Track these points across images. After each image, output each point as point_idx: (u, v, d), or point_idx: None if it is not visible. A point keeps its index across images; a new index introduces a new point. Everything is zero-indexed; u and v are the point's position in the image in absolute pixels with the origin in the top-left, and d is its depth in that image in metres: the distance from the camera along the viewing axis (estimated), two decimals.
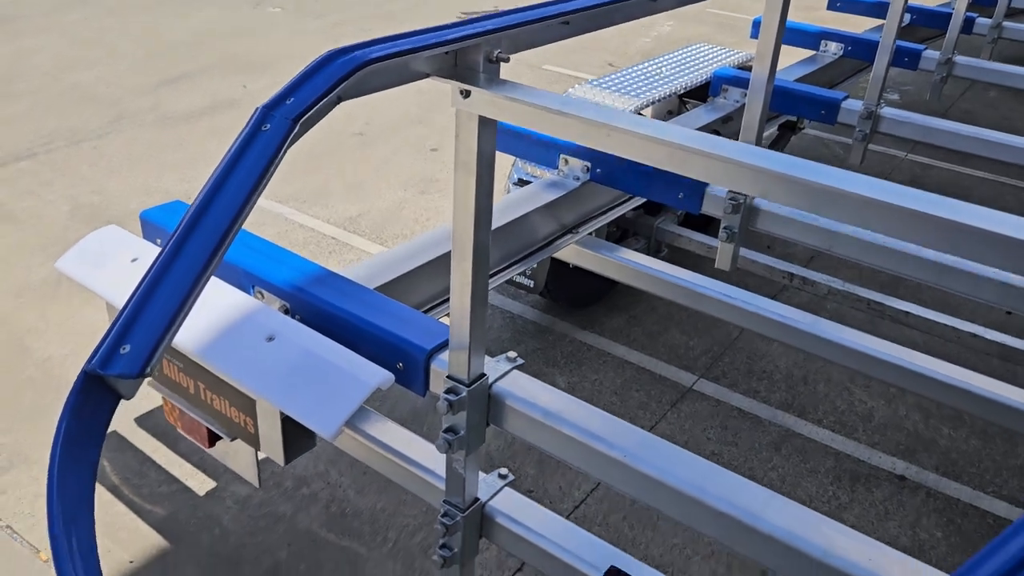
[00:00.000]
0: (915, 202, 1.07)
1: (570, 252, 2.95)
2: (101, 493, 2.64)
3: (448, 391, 1.58)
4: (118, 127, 5.56)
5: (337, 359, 1.62)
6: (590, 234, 2.95)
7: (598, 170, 2.75)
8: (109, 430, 2.86)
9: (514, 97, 1.29)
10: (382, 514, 2.62)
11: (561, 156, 2.82)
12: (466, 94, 1.30)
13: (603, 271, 2.93)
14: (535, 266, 3.24)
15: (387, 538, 2.55)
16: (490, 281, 2.32)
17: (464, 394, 1.57)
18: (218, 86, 6.33)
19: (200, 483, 2.70)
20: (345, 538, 2.54)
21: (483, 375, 1.61)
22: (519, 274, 3.26)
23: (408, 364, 1.70)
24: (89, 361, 1.10)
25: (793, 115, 3.85)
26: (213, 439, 2.00)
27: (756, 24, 4.86)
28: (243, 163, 1.20)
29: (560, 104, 1.29)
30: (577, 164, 2.78)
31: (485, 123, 1.34)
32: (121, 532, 2.52)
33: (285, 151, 1.22)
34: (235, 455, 2.02)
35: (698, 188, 2.60)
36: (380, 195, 4.73)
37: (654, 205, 3.50)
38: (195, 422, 1.97)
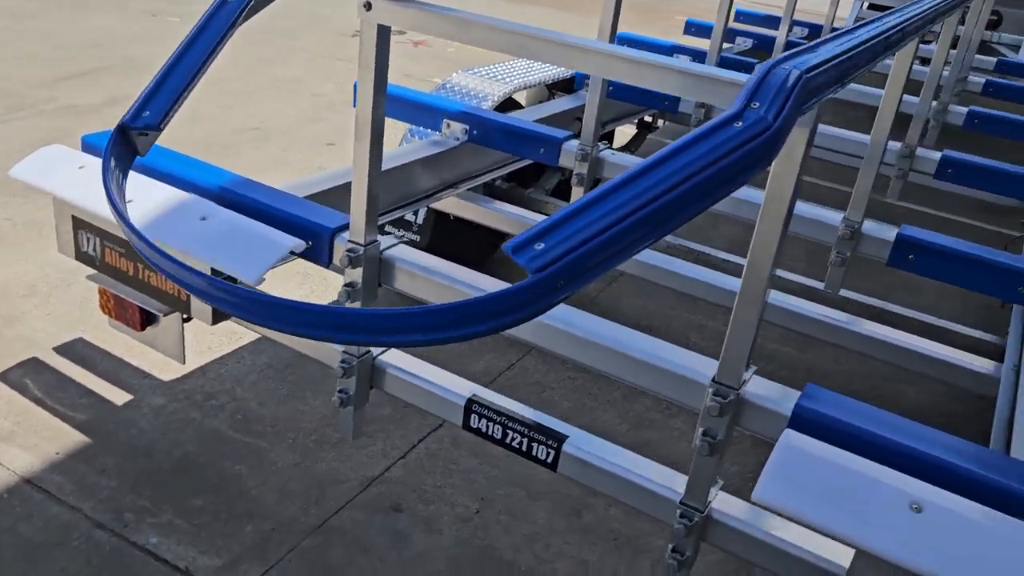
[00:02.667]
0: None
1: (452, 205, 3.46)
2: (24, 403, 2.92)
3: (348, 251, 2.03)
4: (17, 115, 5.72)
5: (258, 230, 2.05)
6: (469, 191, 3.46)
7: (475, 132, 3.27)
8: (27, 356, 3.15)
9: (408, 6, 1.77)
10: (282, 420, 3.01)
11: (444, 120, 3.32)
12: (368, 7, 1.78)
13: (482, 220, 3.43)
14: (421, 223, 3.73)
15: (287, 437, 2.93)
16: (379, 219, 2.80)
17: (361, 252, 2.02)
18: (119, 83, 6.56)
19: (118, 396, 3.01)
20: (249, 436, 2.91)
21: (376, 241, 2.07)
22: (411, 232, 3.74)
23: (316, 240, 2.14)
24: (123, 118, 1.60)
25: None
26: (144, 323, 2.36)
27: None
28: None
29: (448, 11, 1.78)
30: (458, 127, 3.29)
31: (382, 31, 1.82)
32: (46, 431, 2.80)
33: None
34: (163, 335, 2.39)
35: (555, 144, 3.15)
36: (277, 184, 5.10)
37: (526, 177, 4.07)
38: (129, 305, 2.33)
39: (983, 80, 5.02)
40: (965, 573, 1.35)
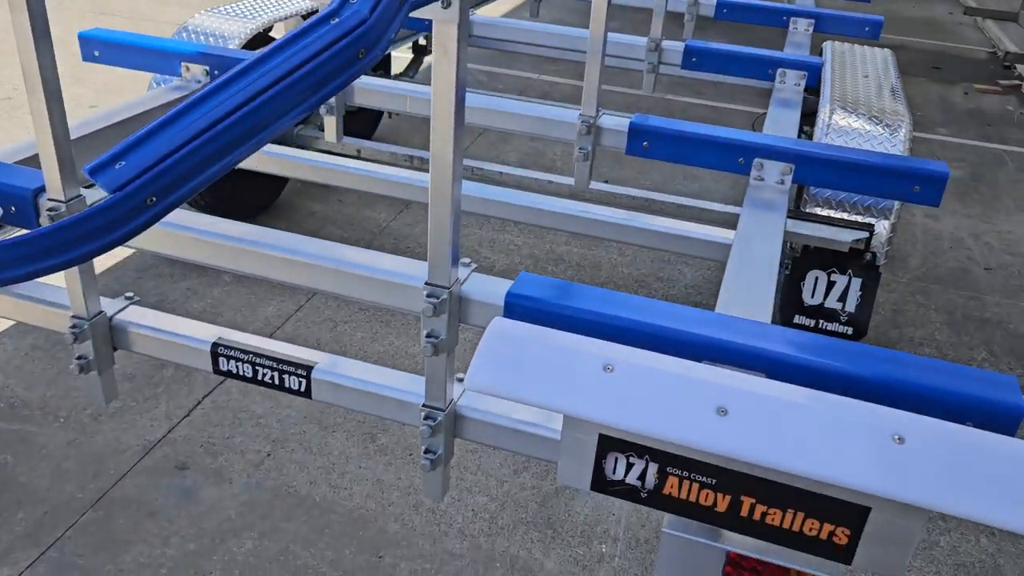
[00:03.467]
0: None
1: None
2: None
3: (49, 210, 1.92)
4: None
5: None
6: None
7: (216, 72, 3.13)
8: None
9: None
10: (53, 400, 2.85)
11: (183, 64, 3.15)
12: None
13: (246, 166, 3.32)
14: None
15: (59, 417, 2.79)
16: None
17: (63, 209, 1.91)
18: None
19: None
20: (15, 423, 2.74)
21: (80, 195, 1.96)
22: None
23: (18, 205, 2.01)
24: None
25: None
26: None
27: None
28: None
29: None
30: (198, 69, 3.13)
31: None
32: None
33: None
34: None
35: None
36: None
37: None
38: None
39: None
40: (650, 420, 1.47)
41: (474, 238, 4.11)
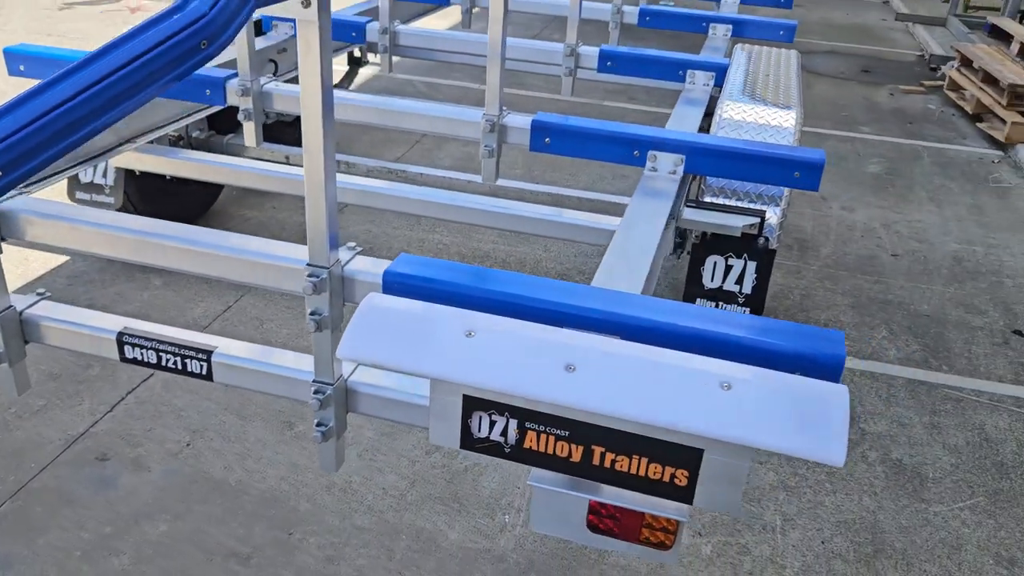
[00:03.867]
0: None
1: (149, 162, 3.42)
2: None
3: None
4: None
5: None
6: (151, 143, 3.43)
7: None
8: None
9: None
10: None
11: None
12: None
13: (179, 172, 3.42)
14: (112, 184, 3.65)
15: None
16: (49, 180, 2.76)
17: None
18: None
19: None
20: None
21: None
22: (103, 195, 3.66)
23: None
24: None
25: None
26: None
27: None
28: None
29: None
30: None
31: None
32: None
33: None
34: None
35: (219, 84, 3.18)
36: None
37: (224, 125, 4.07)
38: None
39: None
40: (505, 379, 1.61)
41: (403, 239, 4.24)
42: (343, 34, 4.30)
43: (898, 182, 5.38)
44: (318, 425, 2.00)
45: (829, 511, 2.65)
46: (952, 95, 7.08)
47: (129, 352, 2.17)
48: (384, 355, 1.68)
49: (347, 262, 1.92)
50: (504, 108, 2.97)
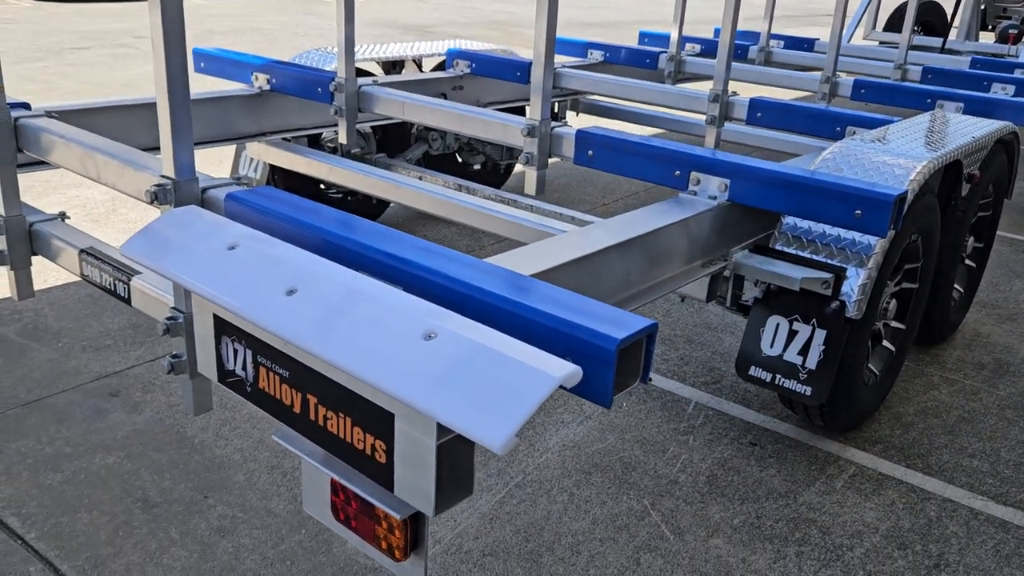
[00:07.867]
0: None
1: (266, 152, 3.74)
2: None
3: None
4: None
5: None
6: (284, 139, 3.73)
7: (274, 80, 3.55)
8: None
9: None
10: (69, 330, 3.30)
11: (253, 73, 3.62)
12: None
13: (297, 167, 3.67)
14: (257, 176, 4.01)
15: (62, 342, 3.21)
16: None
17: None
18: None
19: None
20: (26, 340, 3.21)
21: None
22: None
23: None
24: None
25: None
26: None
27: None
28: None
29: None
30: (263, 77, 3.58)
31: None
32: None
33: None
34: None
35: (326, 83, 3.37)
36: None
37: (393, 148, 4.34)
38: None
39: None
40: (229, 294, 1.42)
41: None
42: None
43: None
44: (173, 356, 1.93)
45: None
46: None
47: (86, 270, 2.31)
48: (158, 261, 1.57)
49: (214, 187, 1.87)
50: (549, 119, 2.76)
